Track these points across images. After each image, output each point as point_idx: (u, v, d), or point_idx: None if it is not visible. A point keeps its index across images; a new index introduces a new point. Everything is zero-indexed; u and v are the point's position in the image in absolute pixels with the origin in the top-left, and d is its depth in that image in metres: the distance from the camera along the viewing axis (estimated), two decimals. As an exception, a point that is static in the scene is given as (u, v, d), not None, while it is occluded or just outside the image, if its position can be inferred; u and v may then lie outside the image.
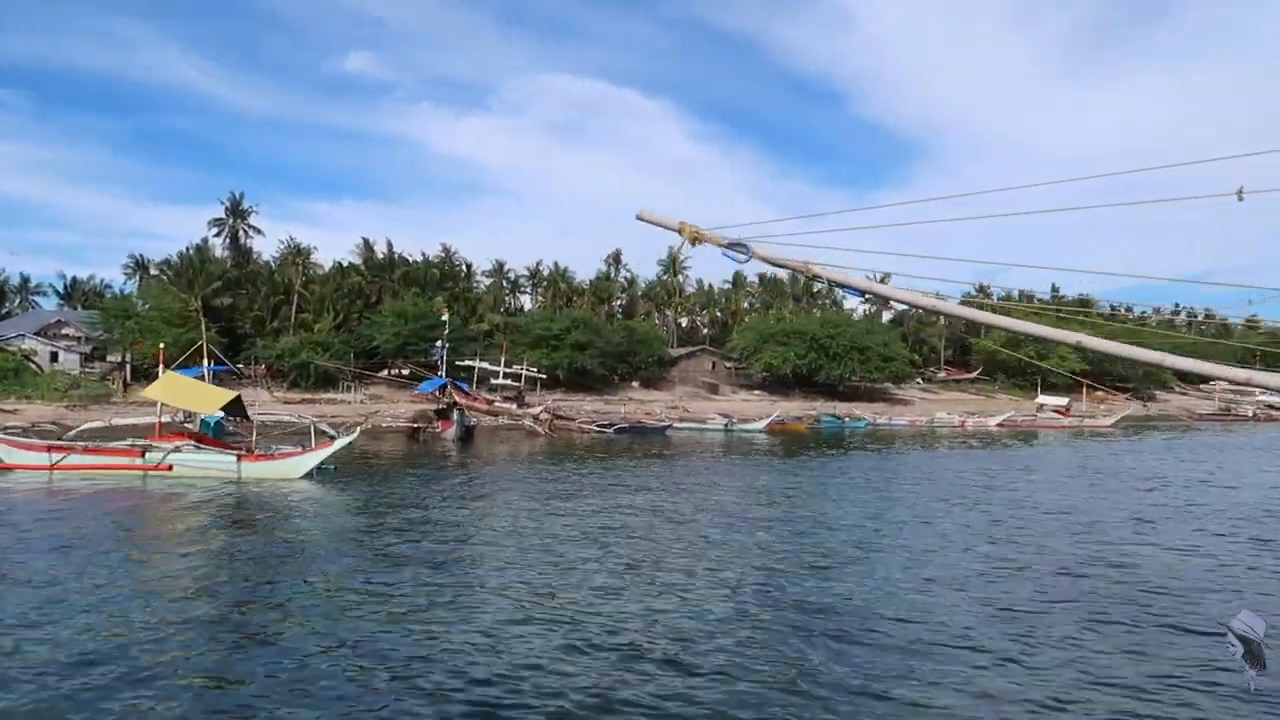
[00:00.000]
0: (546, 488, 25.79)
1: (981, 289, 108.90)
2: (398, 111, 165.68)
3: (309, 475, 26.53)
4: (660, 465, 33.33)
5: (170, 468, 25.70)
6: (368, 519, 19.63)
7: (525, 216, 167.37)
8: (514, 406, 54.91)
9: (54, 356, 62.63)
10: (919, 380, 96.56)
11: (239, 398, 28.26)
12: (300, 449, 27.81)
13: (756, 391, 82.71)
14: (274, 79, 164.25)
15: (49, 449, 26.45)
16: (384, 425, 50.95)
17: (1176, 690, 9.13)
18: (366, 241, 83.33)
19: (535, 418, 49.15)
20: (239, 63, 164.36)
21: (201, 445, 26.78)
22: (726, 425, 54.75)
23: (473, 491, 24.82)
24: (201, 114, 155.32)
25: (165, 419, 38.66)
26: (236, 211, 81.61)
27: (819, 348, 79.49)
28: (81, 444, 26.70)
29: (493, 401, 54.82)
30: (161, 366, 29.90)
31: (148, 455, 26.08)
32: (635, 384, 79.33)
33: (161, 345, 33.73)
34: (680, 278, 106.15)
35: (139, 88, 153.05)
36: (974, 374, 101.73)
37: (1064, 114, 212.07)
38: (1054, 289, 75.01)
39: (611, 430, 49.61)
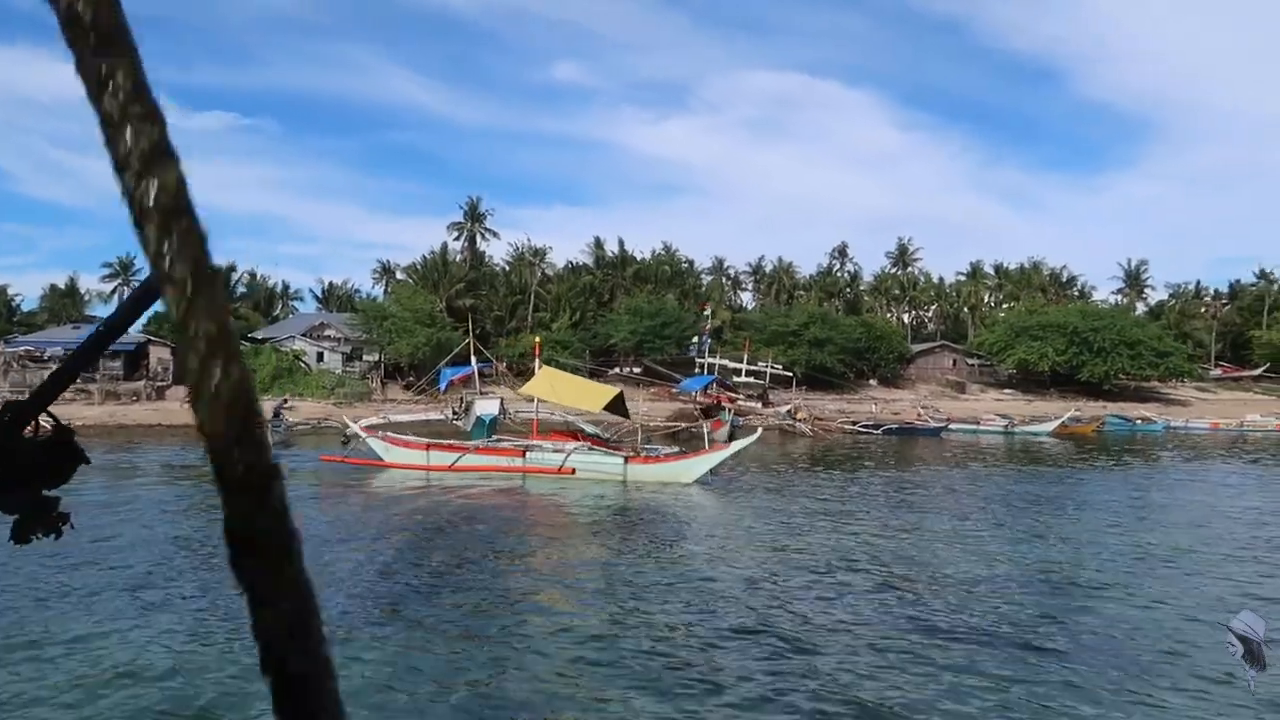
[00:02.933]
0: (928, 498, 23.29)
1: (1263, 274, 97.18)
2: (601, 116, 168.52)
3: (700, 480, 24.50)
4: (955, 473, 30.02)
5: (573, 471, 24.59)
6: (780, 531, 17.60)
7: (727, 214, 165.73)
8: (759, 405, 52.79)
9: (319, 356, 66.44)
10: (1189, 379, 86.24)
11: (620, 395, 27.11)
12: (687, 451, 26.23)
13: (1007, 391, 76.46)
14: (487, 92, 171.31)
15: (427, 447, 26.23)
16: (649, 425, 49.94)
17: None
18: (598, 240, 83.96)
19: (793, 417, 46.71)
20: (456, 79, 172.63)
21: (595, 446, 25.79)
22: (1007, 427, 49.98)
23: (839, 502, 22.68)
24: (424, 129, 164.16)
25: (435, 414, 39.21)
26: (474, 215, 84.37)
27: (1080, 342, 72.26)
28: (473, 444, 26.51)
29: (735, 400, 52.93)
30: (538, 361, 29.28)
31: (529, 456, 25.23)
32: (873, 382, 75.28)
33: (538, 340, 33.60)
34: (910, 270, 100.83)
35: (369, 108, 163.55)
36: (1257, 371, 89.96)
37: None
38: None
39: (880, 431, 46.36)
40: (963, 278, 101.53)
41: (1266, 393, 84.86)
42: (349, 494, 22.54)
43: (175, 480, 24.70)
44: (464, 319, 70.16)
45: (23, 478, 0.90)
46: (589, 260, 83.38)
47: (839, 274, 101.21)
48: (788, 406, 52.43)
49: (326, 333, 71.06)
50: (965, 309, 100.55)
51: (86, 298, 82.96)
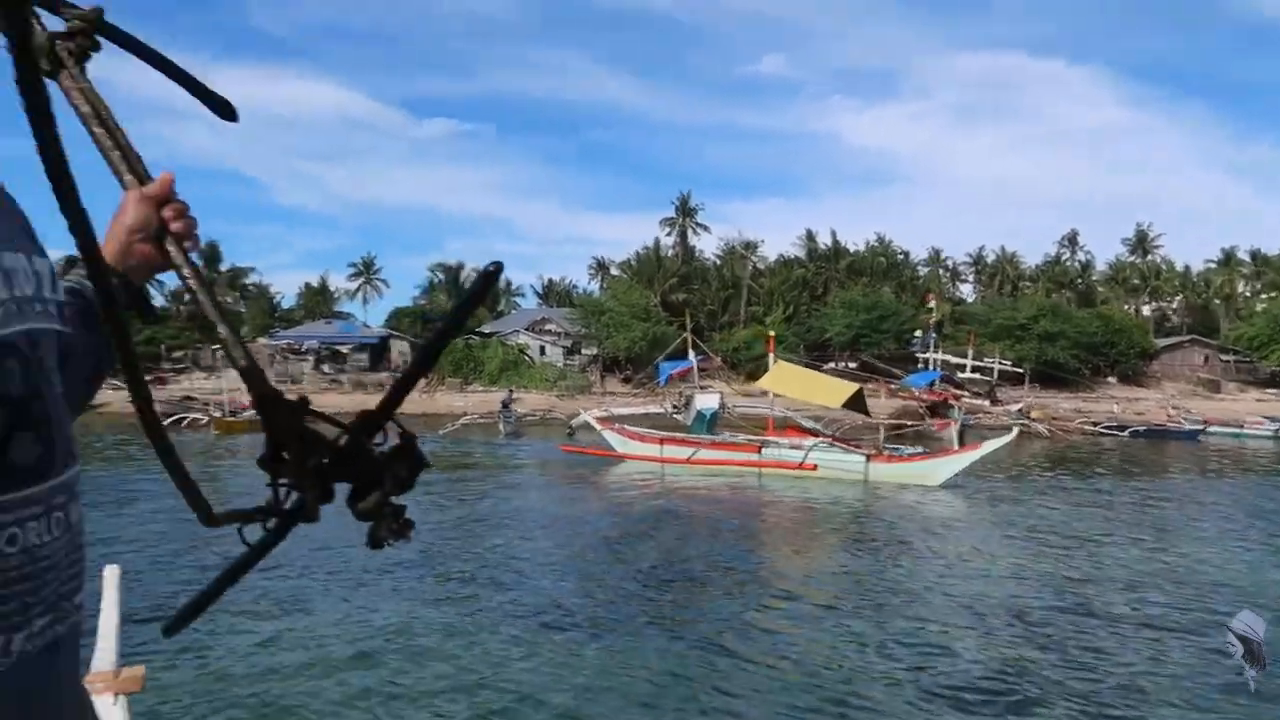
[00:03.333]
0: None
1: None
2: (809, 108, 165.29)
3: (949, 483, 23.32)
4: (1222, 484, 27.28)
5: (815, 467, 24.20)
6: (1036, 547, 16.17)
7: (941, 203, 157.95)
8: (987, 404, 50.25)
9: (542, 350, 69.45)
10: None
11: (860, 391, 26.28)
12: (933, 451, 25.41)
13: (1271, 390, 68.71)
14: (692, 89, 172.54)
15: (661, 441, 26.73)
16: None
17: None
18: (809, 232, 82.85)
19: (1026, 416, 44.13)
20: (661, 76, 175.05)
21: (835, 443, 25.26)
22: (1277, 431, 44.84)
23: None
24: (631, 127, 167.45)
25: (654, 408, 40.02)
26: (685, 210, 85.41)
27: (1365, 336, 63.83)
28: (708, 438, 26.87)
29: (961, 398, 50.60)
30: (772, 356, 28.74)
31: (765, 451, 25.06)
32: (1112, 379, 69.83)
33: (771, 334, 32.50)
34: (1150, 258, 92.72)
35: (578, 109, 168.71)
36: None
37: None
38: None
39: (1126, 433, 42.99)
40: (1212, 265, 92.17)
41: None
42: (582, 484, 23.42)
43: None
44: (678, 313, 71.33)
45: (372, 486, 0.94)
46: (801, 253, 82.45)
47: (1069, 263, 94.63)
48: (1019, 405, 49.62)
49: (548, 327, 74.19)
50: (1216, 300, 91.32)
51: (336, 295, 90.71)
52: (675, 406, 38.94)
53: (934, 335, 45.50)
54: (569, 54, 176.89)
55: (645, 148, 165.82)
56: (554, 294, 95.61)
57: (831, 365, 70.14)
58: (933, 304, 50.05)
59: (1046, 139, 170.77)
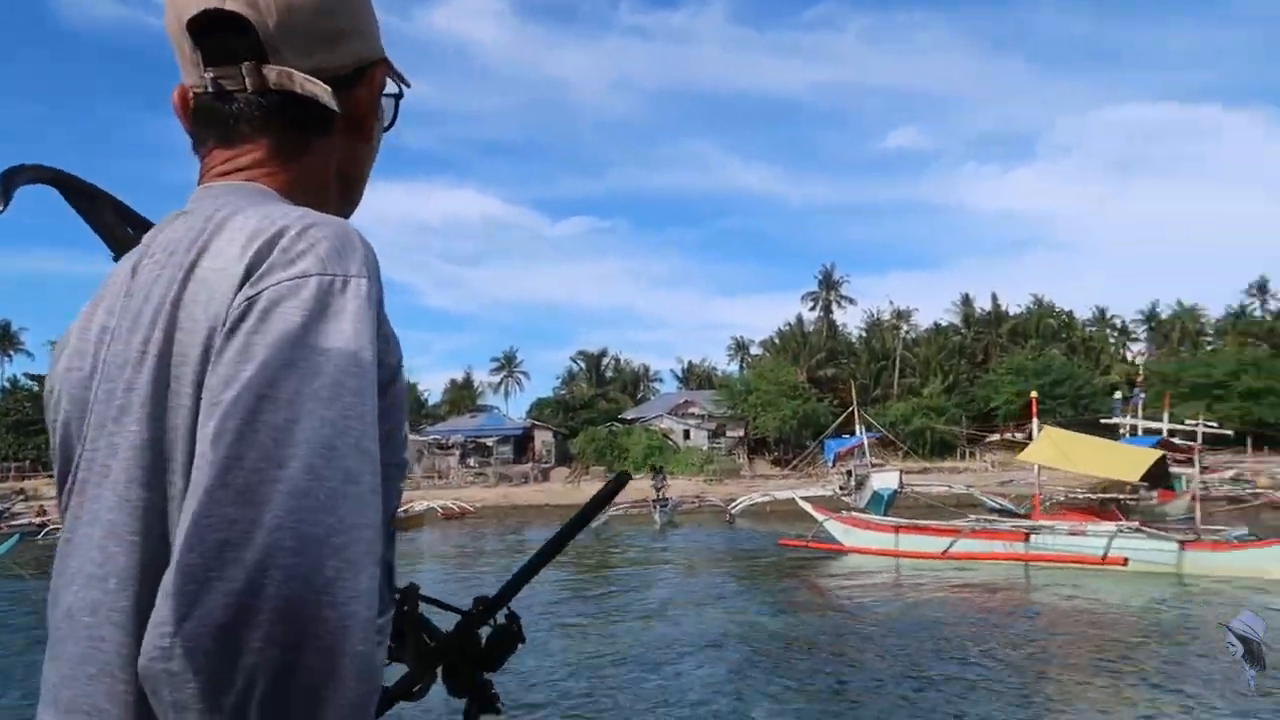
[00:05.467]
0: None
1: None
2: (943, 178, 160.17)
3: None
4: None
5: (1125, 561, 19.57)
6: None
7: (1094, 262, 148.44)
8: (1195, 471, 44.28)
9: (686, 434, 66.93)
10: None
11: (1164, 459, 22.40)
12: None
13: None
14: (822, 168, 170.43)
15: (896, 530, 23.09)
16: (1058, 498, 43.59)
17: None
18: (966, 297, 78.13)
19: (1249, 483, 38.36)
20: (791, 160, 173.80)
21: (1145, 529, 20.65)
22: None
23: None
24: (762, 212, 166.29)
25: (821, 490, 36.50)
26: (829, 283, 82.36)
27: None
28: (968, 525, 22.42)
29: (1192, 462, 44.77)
30: (1035, 421, 25.35)
31: (1035, 539, 20.89)
32: (1332, 439, 61.48)
33: (1034, 394, 28.12)
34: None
35: (708, 198, 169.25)
36: None
37: None
38: None
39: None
40: None
41: None
42: (790, 589, 20.09)
43: (560, 563, 23.35)
44: (827, 389, 67.85)
45: (475, 664, 1.01)
46: (956, 319, 77.70)
47: (1256, 312, 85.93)
48: (1232, 471, 43.55)
49: (691, 410, 71.82)
50: None
51: (479, 389, 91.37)
52: (843, 487, 35.47)
53: (1142, 394, 40.43)
54: (698, 145, 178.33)
55: (777, 230, 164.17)
56: (694, 376, 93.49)
57: (997, 437, 64.94)
58: (1142, 358, 44.77)
59: (1212, 188, 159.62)
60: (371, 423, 0.72)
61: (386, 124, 1.07)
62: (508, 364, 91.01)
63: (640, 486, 49.44)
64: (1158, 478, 21.58)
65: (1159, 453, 21.43)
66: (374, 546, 0.68)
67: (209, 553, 0.63)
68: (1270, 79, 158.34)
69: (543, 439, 68.12)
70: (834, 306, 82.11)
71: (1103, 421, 55.46)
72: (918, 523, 23.14)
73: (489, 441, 67.89)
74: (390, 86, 1.05)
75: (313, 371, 0.70)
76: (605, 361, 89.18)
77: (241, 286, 0.74)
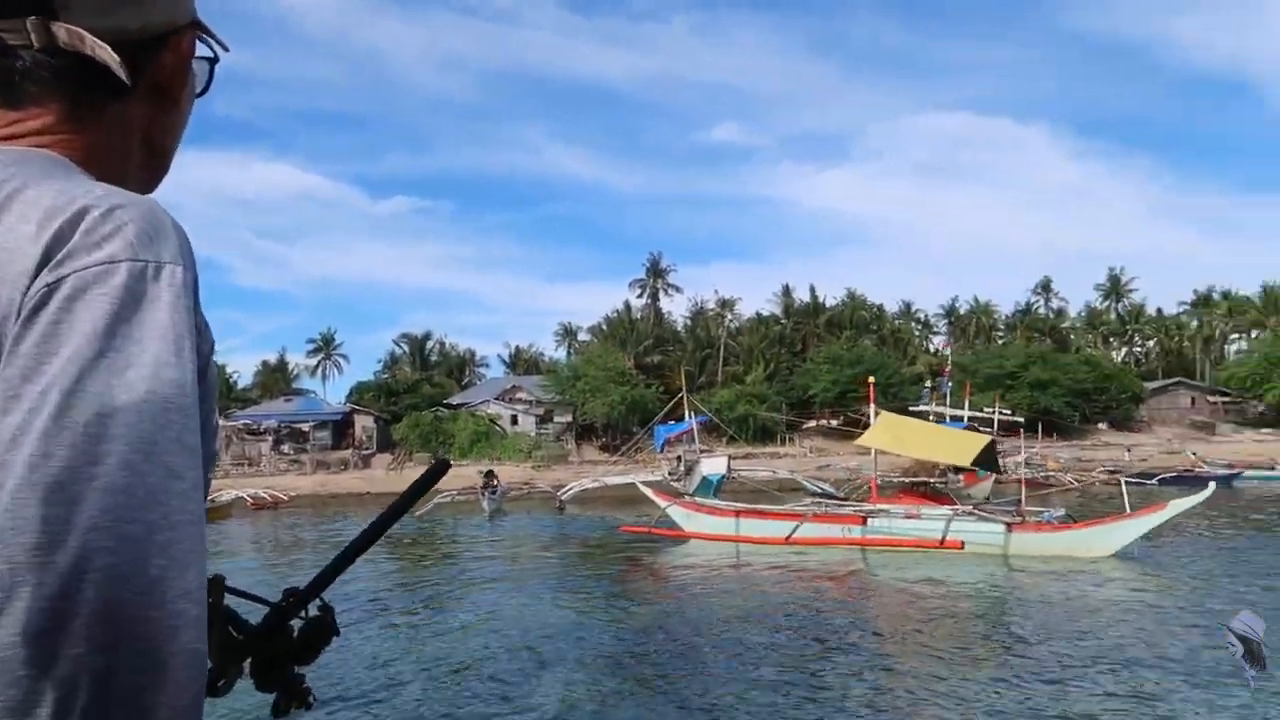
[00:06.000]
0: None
1: None
2: (762, 173, 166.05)
3: (1123, 552, 19.20)
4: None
5: (962, 544, 19.77)
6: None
7: (903, 260, 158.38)
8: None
9: (513, 419, 65.92)
10: None
11: (992, 445, 22.53)
12: (1098, 517, 21.01)
13: (1266, 430, 67.16)
14: (649, 158, 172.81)
15: (737, 514, 22.70)
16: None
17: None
18: (786, 288, 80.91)
19: (1043, 467, 41.60)
20: (619, 149, 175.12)
21: (977, 511, 21.11)
22: None
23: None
24: (588, 199, 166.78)
25: (651, 475, 36.71)
26: (656, 272, 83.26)
27: (1361, 371, 62.57)
28: (810, 510, 22.28)
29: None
30: (873, 406, 25.29)
31: (873, 523, 21.05)
32: (1103, 426, 67.92)
33: (872, 380, 28.11)
34: (1123, 303, 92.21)
35: (535, 183, 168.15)
36: None
37: None
38: None
39: (1154, 481, 40.53)
40: (1184, 308, 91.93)
41: None
42: (630, 572, 19.75)
43: (377, 557, 21.51)
44: (655, 376, 68.51)
45: (285, 658, 1.00)
46: (777, 310, 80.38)
47: (1041, 310, 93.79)
48: (1023, 456, 47.10)
49: (518, 395, 70.84)
50: (1187, 342, 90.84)
51: (294, 372, 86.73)
52: (672, 472, 35.82)
53: (949, 384, 42.92)
54: (528, 129, 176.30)
55: (605, 218, 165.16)
56: (522, 362, 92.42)
57: (814, 424, 67.69)
58: (949, 351, 47.57)
59: (1005, 194, 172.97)
60: (192, 416, 0.69)
61: (199, 90, 1.01)
62: (326, 346, 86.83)
63: (467, 474, 48.31)
64: (987, 462, 22.38)
65: (988, 438, 22.45)
66: (200, 543, 0.66)
67: (16, 557, 0.59)
68: (1053, 98, 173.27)
69: (363, 424, 65.36)
70: (661, 294, 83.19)
71: (910, 409, 58.93)
72: (759, 507, 23.24)
73: (305, 427, 64.41)
74: (204, 50, 0.98)
75: (125, 364, 0.66)
76: (430, 345, 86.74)
77: (39, 271, 0.68)
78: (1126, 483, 22.78)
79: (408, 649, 12.33)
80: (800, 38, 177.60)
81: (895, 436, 22.29)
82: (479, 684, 10.52)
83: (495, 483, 36.66)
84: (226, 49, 1.00)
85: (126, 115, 0.88)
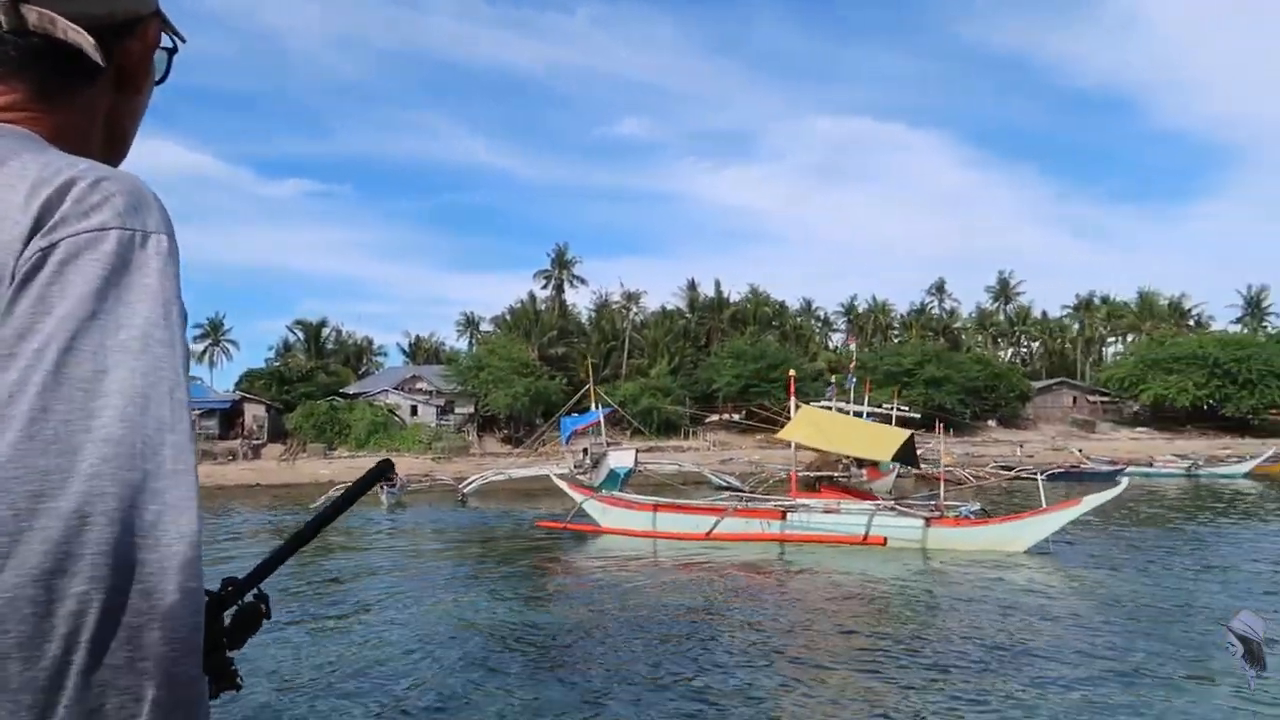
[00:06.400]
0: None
1: None
2: (667, 168, 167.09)
3: (1037, 548, 19.18)
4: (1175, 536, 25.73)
5: (884, 540, 19.58)
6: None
7: (803, 258, 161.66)
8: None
9: (413, 410, 64.22)
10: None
11: (912, 438, 22.17)
12: (1016, 512, 21.04)
13: (1140, 429, 70.81)
14: (553, 150, 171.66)
15: (655, 508, 21.98)
16: (779, 476, 45.59)
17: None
18: (691, 282, 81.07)
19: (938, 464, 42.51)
20: (524, 138, 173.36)
21: (898, 506, 20.86)
22: (1190, 469, 45.28)
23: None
24: (493, 188, 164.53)
25: (556, 468, 36.04)
26: (562, 263, 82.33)
27: (1223, 375, 66.40)
28: (731, 505, 21.83)
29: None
30: (793, 400, 24.78)
31: (792, 518, 20.62)
32: (992, 423, 70.36)
33: (792, 373, 27.89)
34: (1011, 305, 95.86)
35: (439, 170, 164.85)
36: None
37: None
38: None
39: (1043, 476, 41.95)
40: (1067, 311, 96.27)
41: None
42: (539, 568, 19.09)
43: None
44: (559, 368, 67.74)
45: (219, 644, 1.02)
46: (682, 304, 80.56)
47: (935, 310, 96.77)
48: (942, 451, 48.36)
49: (418, 385, 69.01)
50: (1068, 344, 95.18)
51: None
52: (578, 465, 35.24)
53: (854, 379, 43.52)
54: (430, 115, 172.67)
55: (509, 208, 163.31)
56: (422, 351, 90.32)
57: (716, 417, 68.10)
58: (854, 346, 48.28)
59: (901, 197, 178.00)
60: (183, 374, 0.72)
61: (158, 78, 1.03)
62: (214, 331, 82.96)
63: (365, 465, 46.74)
64: (907, 457, 22.31)
65: (908, 433, 22.41)
66: (193, 491, 0.69)
67: (20, 504, 0.62)
68: (945, 107, 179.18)
69: (254, 413, 62.57)
70: (566, 286, 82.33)
71: (813, 404, 59.83)
72: (677, 502, 22.75)
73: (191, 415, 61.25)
74: (165, 40, 1.01)
75: (118, 324, 0.69)
76: (326, 332, 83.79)
77: (30, 238, 0.70)
78: (1019, 477, 23.27)
79: (298, 655, 11.49)
80: (702, 37, 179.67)
81: (818, 430, 22.16)
82: (375, 693, 9.83)
83: (394, 475, 35.34)
84: (184, 40, 1.02)
85: (92, 99, 0.90)
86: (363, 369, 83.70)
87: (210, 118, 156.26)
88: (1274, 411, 68.21)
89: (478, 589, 16.45)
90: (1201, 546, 21.06)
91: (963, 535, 19.81)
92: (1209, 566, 18.08)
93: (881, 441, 21.95)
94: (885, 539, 19.66)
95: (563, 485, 25.12)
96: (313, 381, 66.59)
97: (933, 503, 21.32)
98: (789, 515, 20.73)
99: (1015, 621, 12.90)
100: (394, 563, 19.92)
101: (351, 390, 67.73)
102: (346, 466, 47.95)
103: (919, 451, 41.30)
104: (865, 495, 22.46)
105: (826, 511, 20.51)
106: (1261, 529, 24.84)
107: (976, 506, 21.41)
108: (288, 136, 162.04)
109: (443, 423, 63.96)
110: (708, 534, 20.65)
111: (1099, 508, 20.00)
